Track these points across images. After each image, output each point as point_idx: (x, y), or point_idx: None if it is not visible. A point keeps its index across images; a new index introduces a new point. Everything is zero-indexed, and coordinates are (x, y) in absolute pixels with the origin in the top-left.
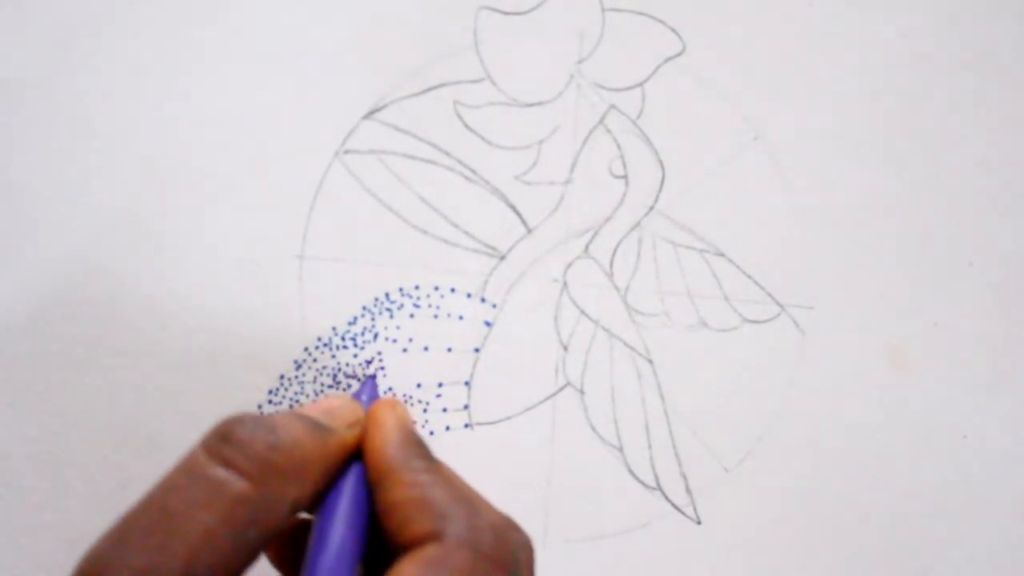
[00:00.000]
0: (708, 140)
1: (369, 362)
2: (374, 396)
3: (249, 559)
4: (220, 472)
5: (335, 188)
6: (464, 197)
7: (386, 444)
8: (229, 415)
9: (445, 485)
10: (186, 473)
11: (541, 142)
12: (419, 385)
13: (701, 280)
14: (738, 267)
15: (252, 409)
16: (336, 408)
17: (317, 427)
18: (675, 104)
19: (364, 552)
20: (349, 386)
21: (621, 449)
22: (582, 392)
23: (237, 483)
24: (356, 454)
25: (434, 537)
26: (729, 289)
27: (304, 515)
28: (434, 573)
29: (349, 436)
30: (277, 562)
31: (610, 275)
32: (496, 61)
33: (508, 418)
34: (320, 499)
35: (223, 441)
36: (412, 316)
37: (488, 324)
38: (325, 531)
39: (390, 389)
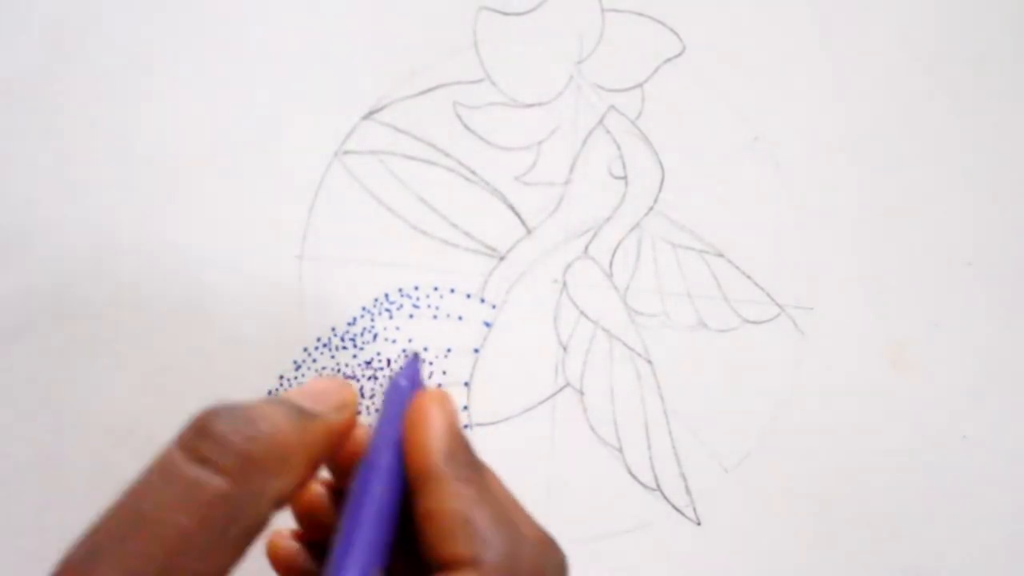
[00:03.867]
0: (708, 140)
1: (369, 363)
2: (417, 382)
3: (234, 558)
4: (195, 470)
5: (335, 188)
6: (464, 197)
7: (431, 446)
8: (205, 407)
9: (489, 502)
10: (159, 473)
11: (541, 142)
12: None
13: (701, 280)
14: (737, 268)
15: None
16: (323, 391)
17: (299, 413)
18: (675, 104)
19: (391, 551)
20: None
21: (621, 449)
22: (582, 392)
23: (214, 481)
24: (396, 443)
25: (472, 563)
26: (728, 290)
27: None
28: None
29: (336, 420)
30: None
31: (610, 275)
32: (496, 61)
33: (508, 419)
34: (322, 488)
35: (198, 436)
36: (411, 317)
37: (488, 325)
38: (352, 529)
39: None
